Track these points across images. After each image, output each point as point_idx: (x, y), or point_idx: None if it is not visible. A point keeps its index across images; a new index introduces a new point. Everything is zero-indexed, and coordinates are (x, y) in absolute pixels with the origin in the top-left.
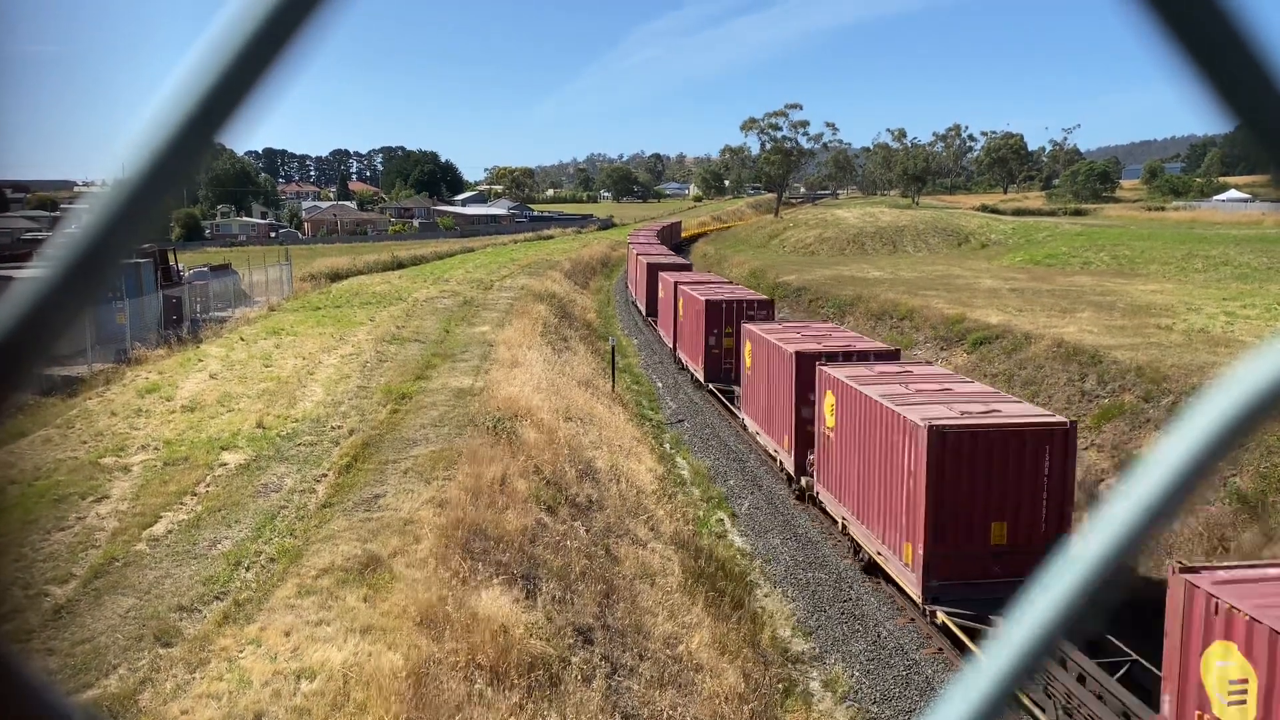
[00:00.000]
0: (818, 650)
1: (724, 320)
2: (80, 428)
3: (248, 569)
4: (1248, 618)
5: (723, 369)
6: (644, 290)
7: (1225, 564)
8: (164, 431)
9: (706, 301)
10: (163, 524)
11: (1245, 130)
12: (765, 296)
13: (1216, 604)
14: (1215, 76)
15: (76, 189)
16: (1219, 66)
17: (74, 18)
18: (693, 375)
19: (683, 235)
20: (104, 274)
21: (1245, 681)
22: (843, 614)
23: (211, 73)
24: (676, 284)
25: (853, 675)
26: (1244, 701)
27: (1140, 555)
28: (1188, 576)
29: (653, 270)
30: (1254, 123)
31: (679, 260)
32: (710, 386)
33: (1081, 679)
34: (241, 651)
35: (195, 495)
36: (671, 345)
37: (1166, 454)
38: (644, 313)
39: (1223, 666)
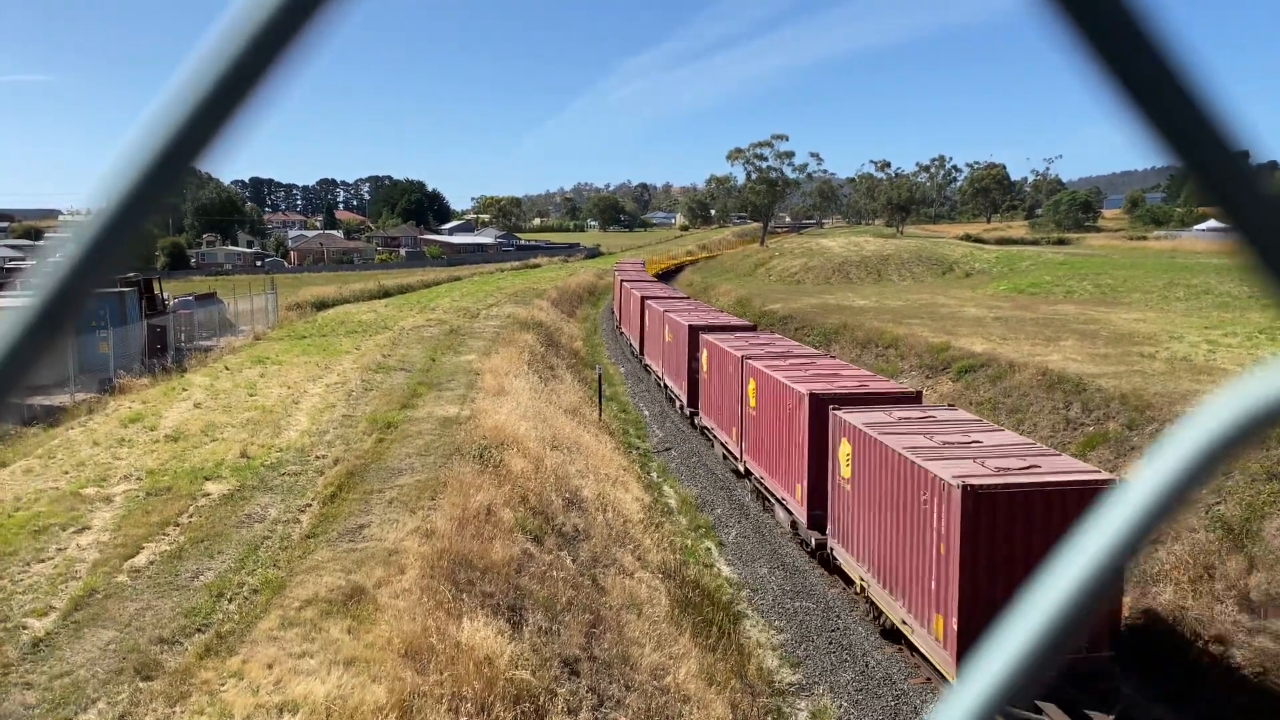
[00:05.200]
0: (806, 680)
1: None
2: (62, 458)
3: (230, 600)
4: (850, 424)
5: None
6: (619, 305)
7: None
8: (147, 461)
9: (641, 296)
10: (144, 555)
11: (1186, 170)
12: (684, 294)
13: (841, 420)
14: (1153, 117)
15: (62, 217)
16: (1157, 107)
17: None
18: (632, 347)
19: (649, 272)
20: (76, 306)
21: (850, 455)
22: (830, 643)
23: (190, 100)
24: (621, 281)
25: (841, 705)
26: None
27: (1117, 582)
28: (833, 409)
29: (633, 295)
30: (1192, 162)
31: (652, 280)
32: (646, 360)
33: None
34: (223, 684)
35: (178, 526)
36: (617, 319)
37: (1147, 480)
38: (616, 320)
39: (844, 451)
